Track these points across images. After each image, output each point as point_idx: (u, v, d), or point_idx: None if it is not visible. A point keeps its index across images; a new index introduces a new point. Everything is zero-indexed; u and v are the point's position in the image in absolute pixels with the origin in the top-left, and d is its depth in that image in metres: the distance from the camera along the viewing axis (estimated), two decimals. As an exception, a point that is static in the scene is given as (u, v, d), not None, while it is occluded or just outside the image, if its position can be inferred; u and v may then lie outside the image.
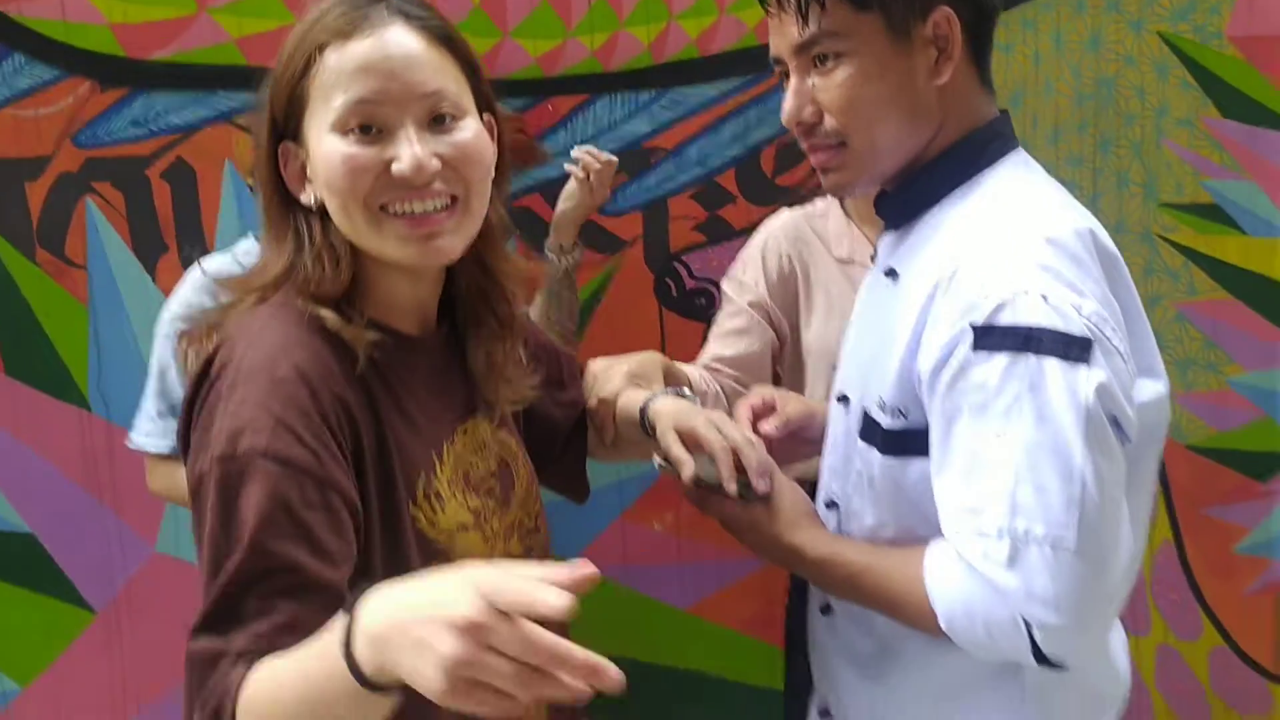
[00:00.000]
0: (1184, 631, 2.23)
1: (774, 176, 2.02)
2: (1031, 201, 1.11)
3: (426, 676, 0.72)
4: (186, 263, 1.72)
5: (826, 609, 1.25)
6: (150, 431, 1.64)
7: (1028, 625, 0.99)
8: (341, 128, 0.96)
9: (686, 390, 1.34)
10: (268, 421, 0.90)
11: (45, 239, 1.87)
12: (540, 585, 0.72)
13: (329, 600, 0.87)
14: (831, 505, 1.22)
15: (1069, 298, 1.00)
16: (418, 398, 1.04)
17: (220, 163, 1.89)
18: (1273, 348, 2.13)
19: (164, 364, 1.62)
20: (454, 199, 0.99)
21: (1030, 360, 0.98)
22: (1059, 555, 0.97)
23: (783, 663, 1.97)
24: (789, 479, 1.22)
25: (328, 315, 0.98)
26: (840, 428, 1.21)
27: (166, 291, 1.88)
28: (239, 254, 1.61)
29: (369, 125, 0.96)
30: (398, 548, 0.98)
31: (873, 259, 1.25)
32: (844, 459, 1.19)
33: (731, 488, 1.15)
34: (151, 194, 1.88)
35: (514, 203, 1.72)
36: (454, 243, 1.01)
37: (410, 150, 0.95)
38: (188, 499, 1.49)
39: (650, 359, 1.39)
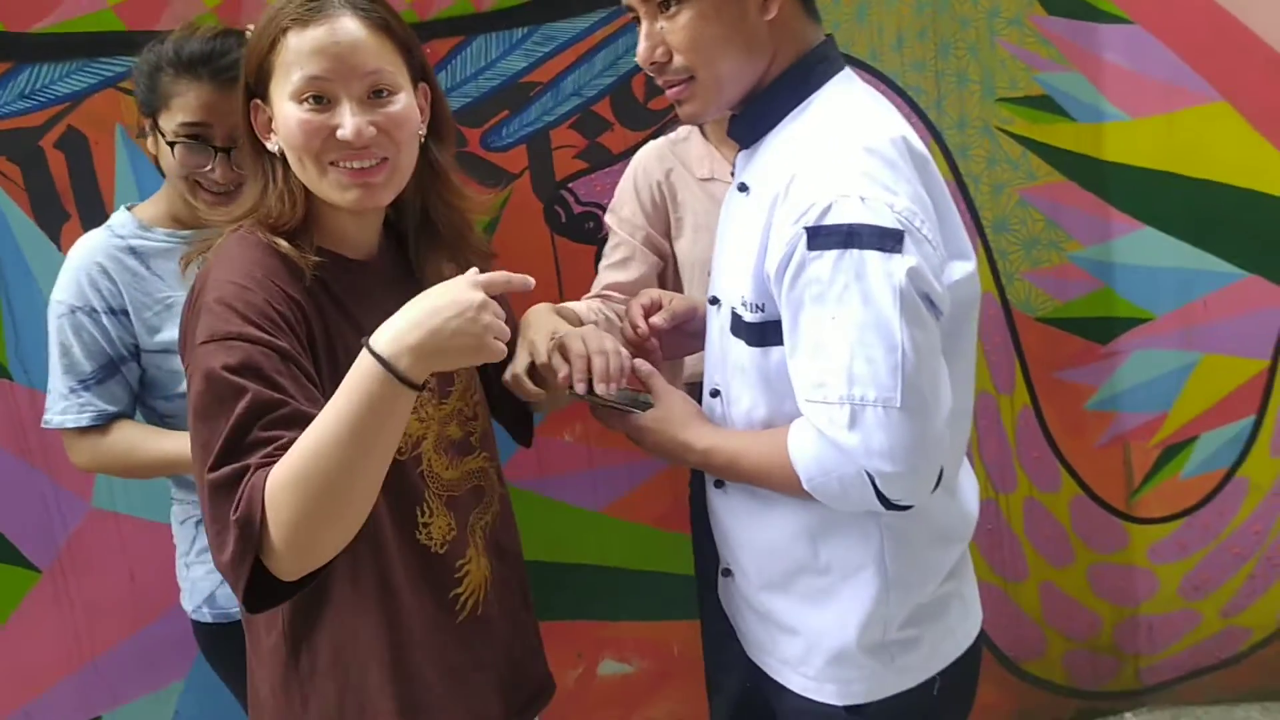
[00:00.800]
0: (1045, 485, 2.43)
1: (646, 102, 2.11)
2: (852, 115, 1.27)
3: (473, 347, 1.08)
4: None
5: (719, 483, 1.43)
6: (65, 409, 1.65)
7: (871, 477, 1.18)
8: (297, 97, 1.20)
9: None
10: (236, 318, 1.14)
11: None
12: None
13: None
14: (715, 394, 1.39)
15: (884, 197, 1.17)
16: (363, 307, 1.25)
17: (111, 128, 1.90)
18: (1105, 224, 2.30)
19: (66, 343, 1.64)
20: (384, 159, 1.22)
21: (854, 254, 1.16)
22: (889, 414, 1.16)
23: (690, 549, 2.11)
24: (674, 387, 1.41)
25: (280, 242, 1.22)
26: (715, 326, 1.38)
27: (72, 257, 1.94)
28: (114, 226, 1.69)
29: (320, 96, 1.20)
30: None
31: (732, 175, 1.41)
32: (721, 353, 1.37)
33: (580, 388, 1.33)
34: (47, 164, 1.88)
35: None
36: (384, 192, 1.25)
37: (351, 120, 1.19)
38: (115, 467, 1.66)
39: (537, 311, 1.54)
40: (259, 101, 1.24)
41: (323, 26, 1.19)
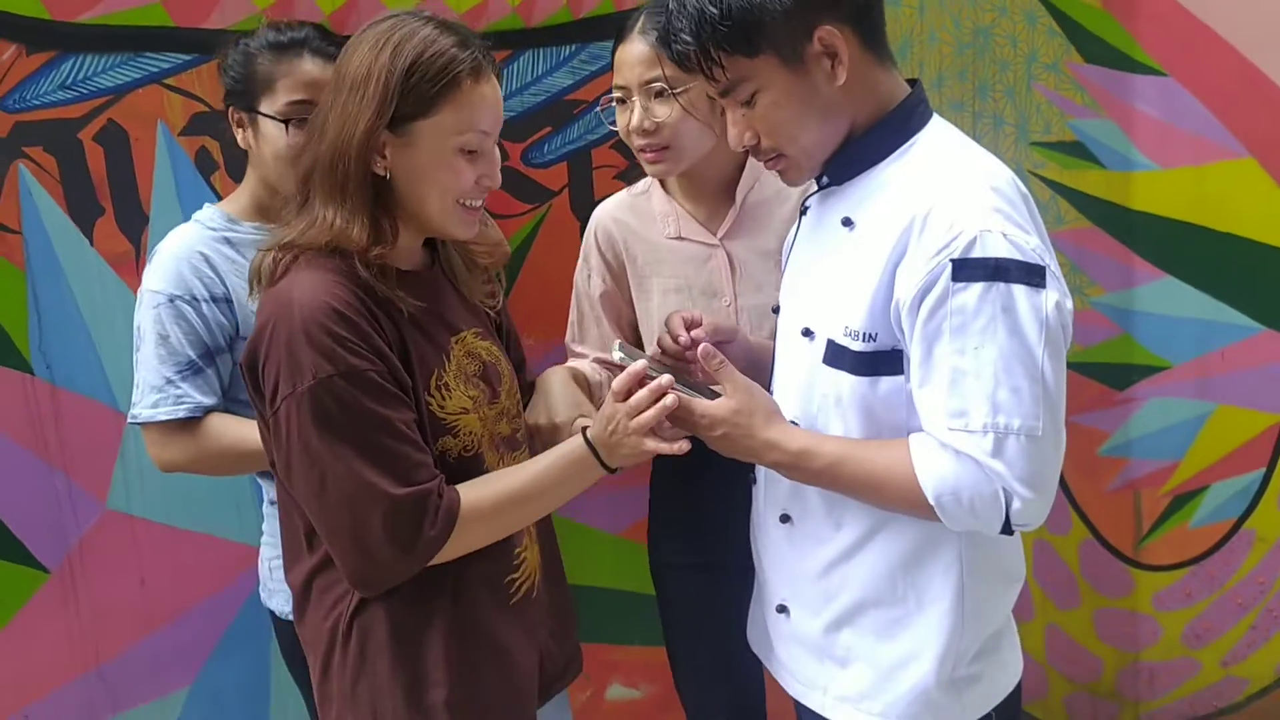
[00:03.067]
0: (1056, 527, 2.45)
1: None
2: (969, 155, 1.32)
3: (634, 450, 1.32)
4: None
5: (785, 518, 1.42)
6: (159, 400, 1.62)
7: (1007, 500, 1.21)
8: (465, 147, 1.32)
9: None
10: (332, 348, 1.23)
11: None
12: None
13: (425, 435, 1.32)
14: (792, 424, 1.38)
15: (1021, 235, 1.22)
16: (423, 316, 1.37)
17: (152, 124, 1.87)
18: (1129, 271, 2.32)
19: (163, 333, 1.62)
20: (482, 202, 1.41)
21: (1001, 287, 1.20)
22: (1032, 442, 1.20)
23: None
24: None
25: (376, 285, 1.31)
26: (804, 359, 1.38)
27: (104, 253, 1.90)
28: (203, 220, 1.71)
29: (473, 149, 1.33)
30: (422, 426, 1.33)
31: (802, 213, 1.45)
32: (807, 384, 1.37)
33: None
34: (85, 157, 1.85)
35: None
36: (478, 225, 1.41)
37: (496, 173, 1.37)
38: (209, 462, 1.63)
39: (556, 376, 1.65)
40: (388, 132, 1.29)
41: (489, 84, 1.32)
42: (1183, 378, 2.38)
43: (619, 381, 1.33)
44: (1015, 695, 1.45)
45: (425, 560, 1.30)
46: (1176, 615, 2.51)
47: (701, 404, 1.34)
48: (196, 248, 1.66)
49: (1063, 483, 2.42)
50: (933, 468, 1.25)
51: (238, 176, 1.84)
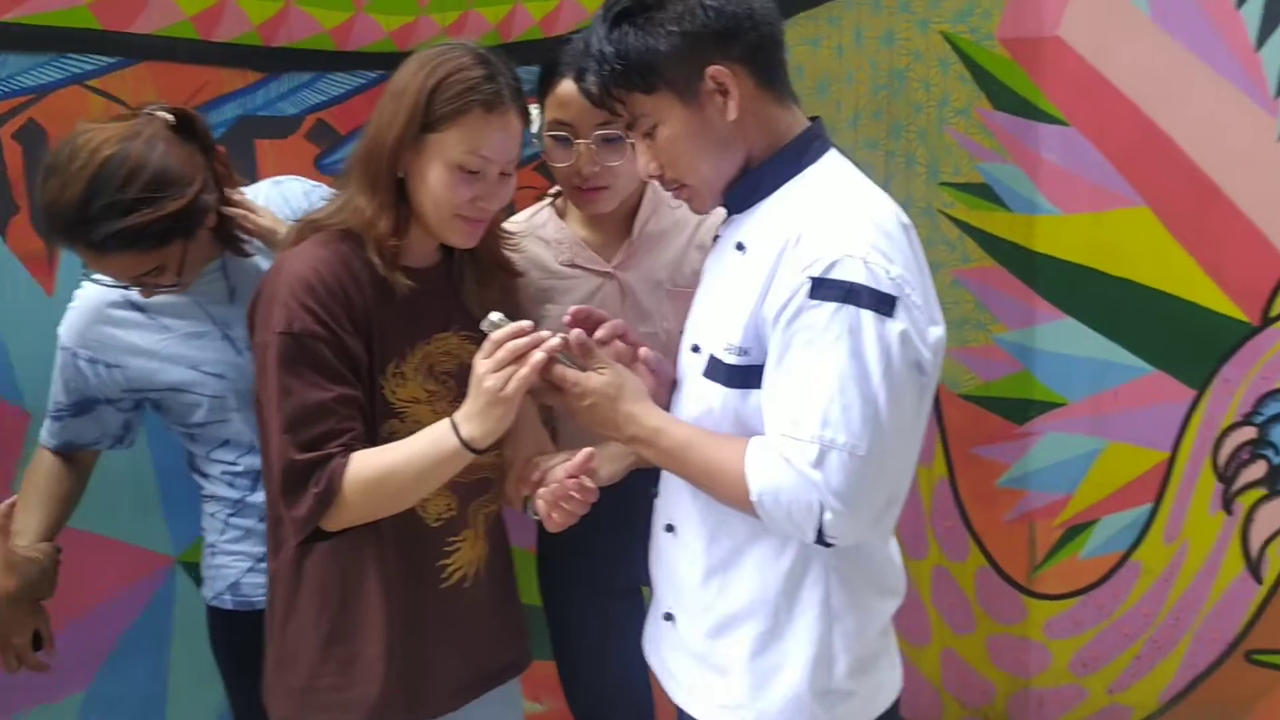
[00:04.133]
0: (955, 554, 2.51)
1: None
2: (853, 187, 1.40)
3: (500, 410, 1.38)
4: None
5: (670, 528, 1.48)
6: (44, 430, 1.79)
7: (821, 510, 1.28)
8: (464, 167, 1.46)
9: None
10: (298, 309, 1.42)
11: None
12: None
13: (364, 412, 1.47)
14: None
15: (882, 263, 1.28)
16: (411, 310, 1.50)
17: (73, 124, 1.81)
18: (1030, 310, 2.41)
19: (55, 376, 1.74)
20: (485, 220, 1.53)
21: (850, 310, 1.26)
22: (853, 460, 1.27)
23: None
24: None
25: (377, 262, 1.48)
26: (691, 373, 1.45)
27: (17, 251, 1.89)
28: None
29: (475, 171, 1.46)
30: (371, 406, 1.49)
31: (715, 240, 1.50)
32: (690, 396, 1.45)
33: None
34: (2, 154, 1.84)
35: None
36: (479, 237, 1.54)
37: (496, 197, 1.49)
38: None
39: (528, 413, 1.66)
40: (419, 137, 1.45)
41: (501, 118, 1.45)
42: (1078, 414, 2.46)
43: (499, 333, 1.39)
44: (890, 715, 1.51)
45: (312, 517, 1.43)
46: (1066, 643, 2.59)
47: (575, 373, 1.41)
48: (93, 307, 1.71)
49: (962, 512, 2.50)
50: (761, 468, 1.32)
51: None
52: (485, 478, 1.63)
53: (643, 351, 1.49)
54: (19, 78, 1.85)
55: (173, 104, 1.63)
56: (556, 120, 1.71)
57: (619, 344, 1.50)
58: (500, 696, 1.70)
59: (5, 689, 1.99)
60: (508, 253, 1.67)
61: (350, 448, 1.44)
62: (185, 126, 1.58)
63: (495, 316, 1.41)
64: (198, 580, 1.92)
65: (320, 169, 1.93)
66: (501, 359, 1.37)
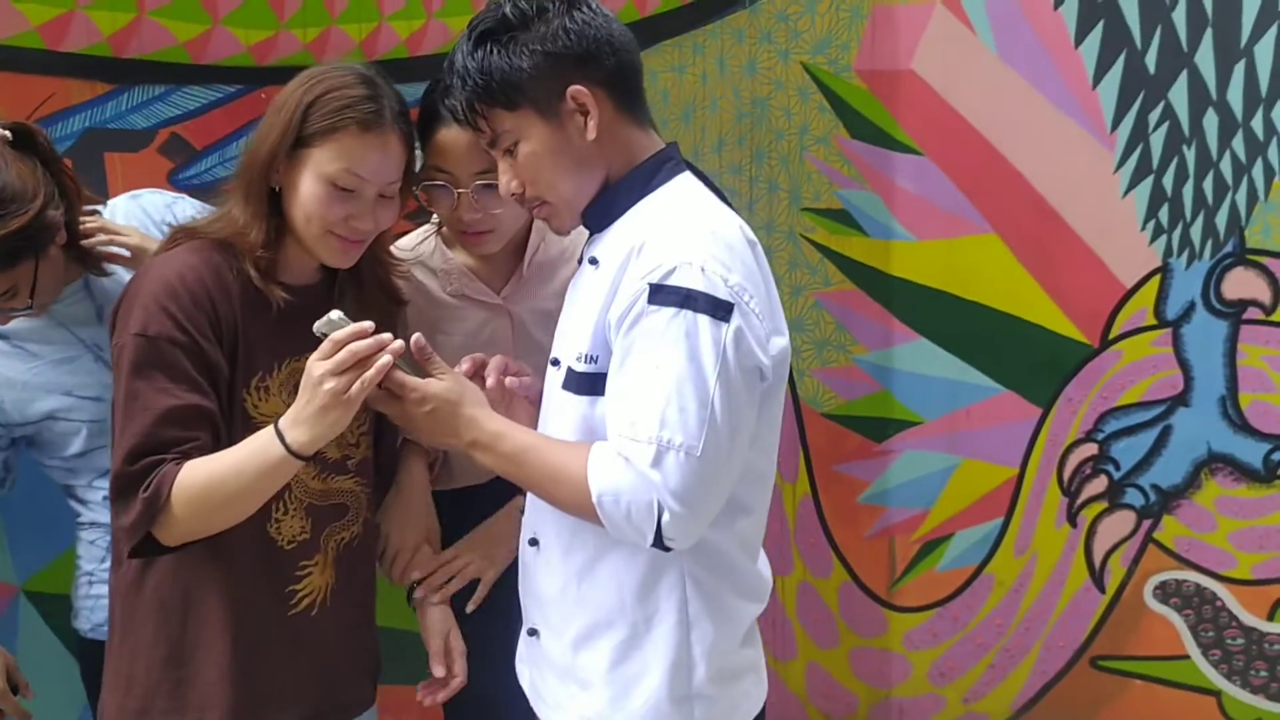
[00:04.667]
0: (818, 570, 2.57)
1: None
2: (696, 202, 1.44)
3: (334, 413, 1.33)
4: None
5: (534, 542, 1.48)
6: None
7: (660, 511, 1.30)
8: (333, 182, 1.45)
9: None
10: (167, 319, 1.41)
11: None
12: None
13: (215, 425, 1.43)
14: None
15: (721, 271, 1.32)
16: (283, 325, 1.48)
17: None
18: (888, 332, 2.49)
19: None
20: (363, 240, 1.51)
21: (687, 315, 1.30)
22: (689, 460, 1.30)
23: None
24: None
25: (253, 273, 1.47)
26: (551, 386, 1.47)
27: None
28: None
29: (348, 188, 1.45)
30: (229, 417, 1.47)
31: (579, 262, 1.52)
32: (550, 408, 1.47)
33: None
34: None
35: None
36: (354, 259, 1.53)
37: (371, 218, 1.48)
38: None
39: (417, 491, 1.77)
40: (286, 156, 1.45)
41: (379, 138, 1.45)
42: (934, 433, 2.55)
43: (341, 334, 1.34)
44: None
45: (139, 524, 1.40)
46: (924, 654, 2.66)
47: (414, 379, 1.40)
48: None
49: (824, 528, 2.56)
50: (602, 470, 1.34)
51: None
52: (342, 504, 1.60)
53: (509, 380, 1.49)
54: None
55: (17, 116, 1.57)
56: (435, 168, 1.68)
57: (508, 380, 1.50)
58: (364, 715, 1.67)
59: None
60: (396, 279, 1.65)
61: (188, 457, 1.40)
62: (23, 140, 1.53)
63: (335, 315, 1.37)
64: (43, 610, 1.84)
65: (175, 184, 1.88)
66: (343, 360, 1.32)
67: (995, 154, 2.46)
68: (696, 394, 1.30)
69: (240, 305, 1.47)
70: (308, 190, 1.46)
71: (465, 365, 1.49)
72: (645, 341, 1.32)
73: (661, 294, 1.31)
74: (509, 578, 1.63)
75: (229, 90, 1.97)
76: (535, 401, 1.55)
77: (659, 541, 1.33)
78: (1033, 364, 2.53)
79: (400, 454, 1.77)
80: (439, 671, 1.67)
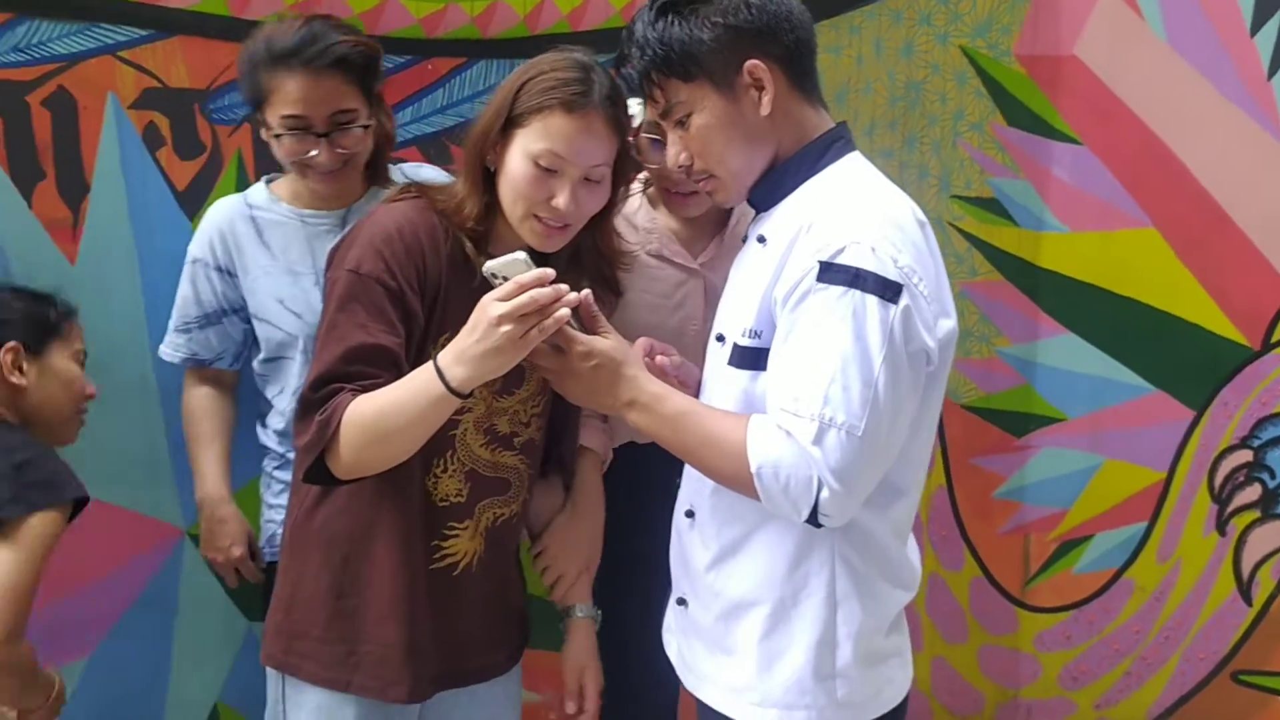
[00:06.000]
0: (950, 563, 2.53)
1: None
2: (868, 184, 1.44)
3: (504, 353, 1.35)
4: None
5: (690, 513, 1.50)
6: (167, 343, 1.94)
7: (819, 488, 1.31)
8: (536, 161, 1.48)
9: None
10: (372, 254, 1.48)
11: None
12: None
13: (399, 368, 1.47)
14: None
15: (891, 251, 1.32)
16: (481, 294, 1.42)
17: (103, 95, 1.89)
18: (1034, 324, 2.43)
19: (183, 289, 1.88)
20: (568, 225, 1.53)
21: (856, 294, 1.30)
22: (850, 439, 1.30)
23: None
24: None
25: (466, 243, 1.54)
26: (715, 362, 1.49)
27: (42, 217, 1.91)
28: (248, 194, 1.88)
29: (551, 169, 1.48)
30: (415, 363, 1.48)
31: (744, 240, 1.54)
32: (714, 383, 1.48)
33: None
34: (31, 120, 1.86)
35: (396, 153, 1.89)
36: (557, 244, 1.55)
37: (565, 198, 1.49)
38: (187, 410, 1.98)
39: (585, 523, 1.80)
40: (500, 133, 1.51)
41: (583, 119, 1.47)
42: (1077, 431, 2.49)
43: (527, 277, 1.36)
44: (898, 713, 1.52)
45: (312, 446, 1.46)
46: (1056, 656, 2.61)
47: (582, 335, 1.42)
48: (220, 221, 1.82)
49: (958, 521, 2.53)
50: (762, 441, 1.34)
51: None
52: (504, 479, 1.64)
53: (659, 359, 1.51)
54: (50, 44, 1.86)
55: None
56: (653, 122, 1.67)
57: (659, 359, 1.53)
58: (498, 691, 1.71)
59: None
60: (620, 273, 1.69)
61: (367, 392, 1.45)
62: (370, 60, 1.75)
63: (521, 255, 1.39)
64: (206, 553, 1.95)
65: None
66: (523, 304, 1.33)
67: (1159, 145, 2.38)
68: (861, 374, 1.30)
69: (447, 266, 1.53)
70: (514, 169, 1.49)
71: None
72: (812, 318, 1.33)
73: (830, 272, 1.31)
74: (652, 541, 1.65)
75: (399, 60, 2.02)
76: (684, 384, 1.57)
77: (813, 517, 1.33)
78: (1187, 364, 2.46)
79: (579, 467, 1.79)
80: (570, 709, 1.73)
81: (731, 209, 1.83)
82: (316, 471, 1.49)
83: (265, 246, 1.80)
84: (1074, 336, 2.45)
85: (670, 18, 1.40)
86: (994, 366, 2.45)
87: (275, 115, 1.70)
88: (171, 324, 1.90)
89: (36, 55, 1.86)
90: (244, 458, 1.98)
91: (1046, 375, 2.47)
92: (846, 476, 1.31)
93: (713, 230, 1.83)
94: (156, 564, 1.99)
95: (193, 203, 1.99)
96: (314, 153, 1.71)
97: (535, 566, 1.73)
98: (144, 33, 1.89)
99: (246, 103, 1.76)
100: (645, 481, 1.73)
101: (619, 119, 1.52)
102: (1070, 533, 2.55)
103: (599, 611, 1.78)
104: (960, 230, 2.39)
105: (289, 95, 1.68)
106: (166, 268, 1.96)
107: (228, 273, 1.83)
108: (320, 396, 1.46)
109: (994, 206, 2.39)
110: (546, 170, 1.48)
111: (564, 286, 1.36)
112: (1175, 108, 2.35)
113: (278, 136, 1.71)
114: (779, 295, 1.37)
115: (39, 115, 1.88)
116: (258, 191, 1.86)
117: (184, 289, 1.86)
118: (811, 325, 1.33)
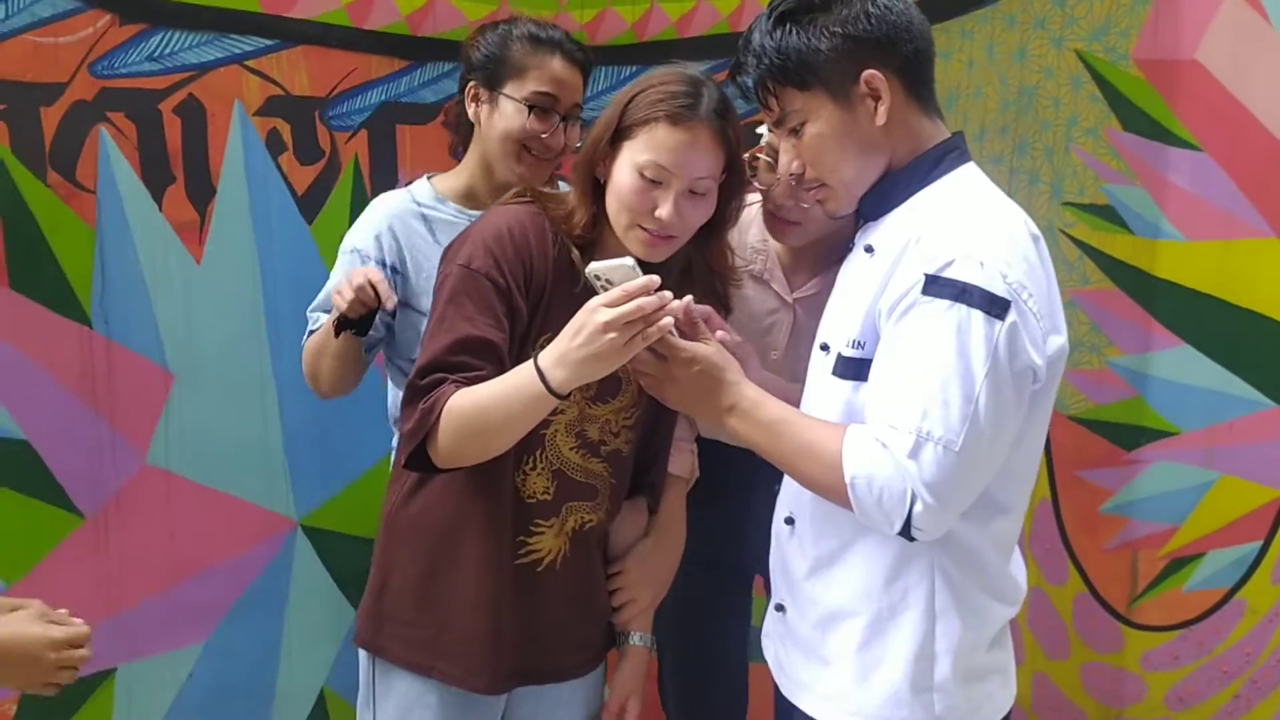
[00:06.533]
0: (1054, 578, 2.49)
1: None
2: (981, 196, 1.42)
3: (604, 358, 1.37)
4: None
5: (789, 520, 1.51)
6: (311, 325, 1.88)
7: (912, 501, 1.30)
8: (641, 171, 1.50)
9: None
10: (491, 259, 1.53)
11: (57, 162, 1.91)
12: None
13: (502, 362, 1.50)
14: None
15: (1000, 266, 1.30)
16: (583, 299, 1.44)
17: (230, 102, 1.96)
18: (1147, 335, 2.38)
19: (338, 276, 1.82)
20: (672, 236, 1.53)
21: (962, 309, 1.29)
22: (947, 454, 1.29)
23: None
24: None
25: (574, 251, 1.57)
26: (819, 371, 1.49)
27: (171, 220, 1.99)
28: (414, 191, 1.88)
29: (656, 180, 1.49)
30: (516, 362, 1.49)
31: (850, 247, 1.52)
32: (818, 392, 1.48)
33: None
34: (163, 127, 1.94)
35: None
36: (664, 254, 1.55)
37: (668, 208, 1.50)
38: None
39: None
40: (609, 145, 1.54)
41: (687, 132, 1.49)
42: (1190, 445, 2.43)
43: (633, 285, 1.36)
44: None
45: (415, 433, 1.49)
46: (1162, 676, 2.55)
47: (685, 342, 1.43)
48: (390, 217, 1.82)
49: (1064, 534, 2.48)
50: (858, 452, 1.33)
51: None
52: (592, 485, 1.65)
53: (720, 334, 1.50)
54: (182, 54, 1.94)
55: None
56: (771, 145, 1.71)
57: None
58: (579, 692, 1.73)
59: (132, 633, 2.10)
60: (730, 288, 1.68)
61: (471, 383, 1.49)
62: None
63: (629, 262, 1.40)
64: (317, 545, 2.01)
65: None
66: (629, 312, 1.35)
67: (1283, 152, 2.30)
68: (962, 389, 1.29)
69: (553, 269, 1.56)
70: (620, 179, 1.52)
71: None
72: (916, 331, 1.32)
73: (937, 285, 1.30)
74: (752, 543, 1.66)
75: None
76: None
77: (906, 530, 1.32)
78: (1310, 380, 2.37)
79: (665, 495, 1.79)
80: None
81: (843, 253, 1.80)
82: (418, 459, 1.52)
83: (439, 246, 1.78)
84: (1189, 348, 2.40)
85: (789, 26, 1.40)
86: (1104, 378, 2.41)
87: (525, 90, 1.77)
88: (315, 304, 1.88)
89: (168, 65, 1.94)
90: (371, 438, 2.02)
91: (1159, 387, 2.42)
92: (941, 491, 1.30)
93: (819, 266, 1.80)
94: (270, 555, 2.06)
95: (311, 206, 2.05)
96: (549, 133, 1.78)
97: (609, 585, 1.74)
98: (270, 43, 1.96)
99: (480, 74, 1.80)
100: (736, 482, 1.73)
101: (726, 133, 1.52)
102: (1180, 550, 2.49)
103: (654, 639, 1.79)
104: (1072, 238, 2.36)
105: (547, 74, 1.78)
106: (286, 267, 2.04)
107: (394, 269, 1.82)
108: (425, 384, 1.50)
109: (1108, 214, 2.35)
110: (651, 181, 1.50)
111: (668, 294, 1.37)
112: (1303, 114, 2.28)
113: (530, 107, 1.77)
114: (883, 307, 1.36)
115: (170, 122, 1.96)
116: (423, 189, 1.86)
117: (339, 278, 1.80)
118: (914, 338, 1.32)
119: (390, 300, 1.71)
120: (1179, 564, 2.50)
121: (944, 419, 1.29)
